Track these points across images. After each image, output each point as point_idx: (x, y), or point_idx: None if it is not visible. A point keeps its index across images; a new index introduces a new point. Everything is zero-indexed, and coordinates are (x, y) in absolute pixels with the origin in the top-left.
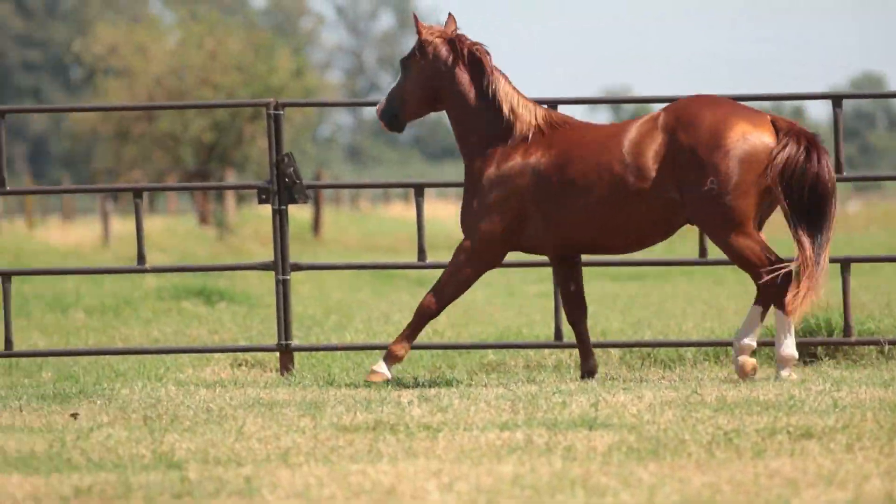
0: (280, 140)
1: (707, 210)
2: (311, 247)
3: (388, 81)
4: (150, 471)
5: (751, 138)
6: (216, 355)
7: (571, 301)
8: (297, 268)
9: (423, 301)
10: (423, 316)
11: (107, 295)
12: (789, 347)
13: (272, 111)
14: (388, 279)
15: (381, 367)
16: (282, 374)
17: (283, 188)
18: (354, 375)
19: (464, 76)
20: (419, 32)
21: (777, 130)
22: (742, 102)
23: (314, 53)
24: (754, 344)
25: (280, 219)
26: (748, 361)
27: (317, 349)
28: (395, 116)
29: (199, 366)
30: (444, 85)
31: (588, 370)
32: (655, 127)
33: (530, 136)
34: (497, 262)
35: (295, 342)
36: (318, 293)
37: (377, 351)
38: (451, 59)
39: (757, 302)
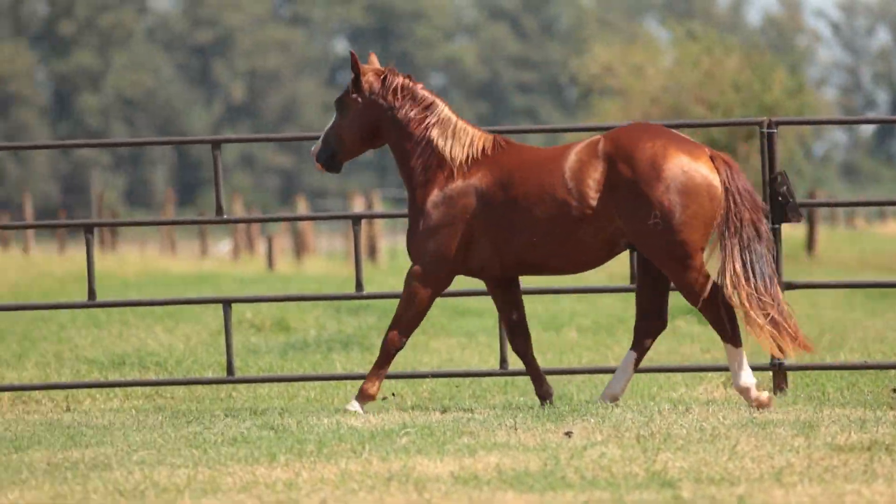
0: (773, 159)
1: (653, 243)
2: (804, 265)
3: (884, 98)
4: (644, 489)
5: (689, 170)
6: (709, 374)
7: (515, 330)
8: (791, 286)
9: (387, 336)
10: (389, 350)
11: (601, 314)
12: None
13: (766, 129)
14: (883, 298)
15: (354, 405)
16: (775, 394)
17: (776, 207)
18: (849, 395)
19: (401, 108)
20: (356, 70)
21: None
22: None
23: (809, 70)
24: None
25: (773, 237)
26: (762, 396)
27: (811, 368)
28: (332, 156)
29: (691, 385)
30: (382, 119)
31: (542, 395)
32: (596, 154)
33: (470, 158)
34: (448, 282)
35: (788, 361)
36: (812, 312)
37: (871, 371)
38: (386, 92)
39: (727, 341)
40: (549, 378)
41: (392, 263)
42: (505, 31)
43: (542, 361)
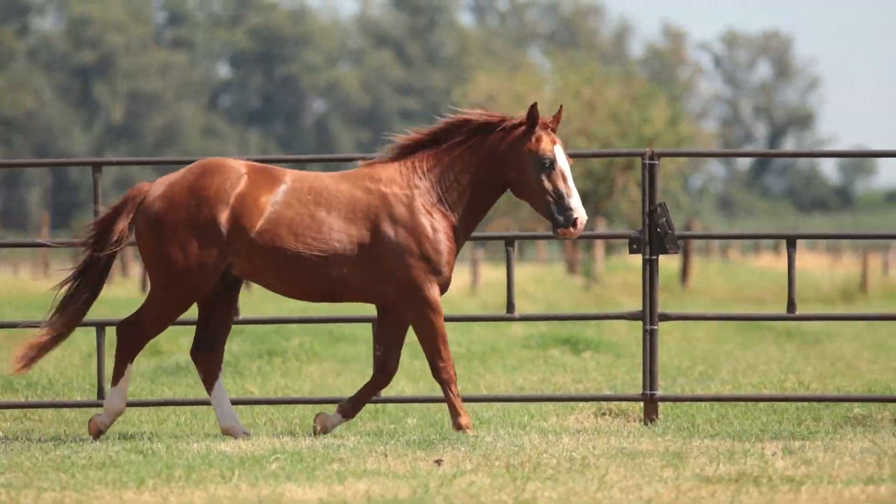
0: (654, 190)
1: None
2: (677, 297)
3: (762, 132)
4: None
5: None
6: (580, 404)
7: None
8: (666, 318)
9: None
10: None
11: (474, 342)
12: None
13: (647, 161)
14: (756, 330)
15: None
16: (645, 424)
17: (654, 238)
18: (719, 426)
19: None
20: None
21: None
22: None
23: (690, 103)
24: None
25: (650, 269)
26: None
27: (682, 399)
28: None
29: (562, 414)
30: None
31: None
32: None
33: None
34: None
35: (660, 392)
36: (685, 343)
37: (741, 403)
38: None
39: None
40: (421, 406)
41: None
42: (389, 58)
43: (415, 390)
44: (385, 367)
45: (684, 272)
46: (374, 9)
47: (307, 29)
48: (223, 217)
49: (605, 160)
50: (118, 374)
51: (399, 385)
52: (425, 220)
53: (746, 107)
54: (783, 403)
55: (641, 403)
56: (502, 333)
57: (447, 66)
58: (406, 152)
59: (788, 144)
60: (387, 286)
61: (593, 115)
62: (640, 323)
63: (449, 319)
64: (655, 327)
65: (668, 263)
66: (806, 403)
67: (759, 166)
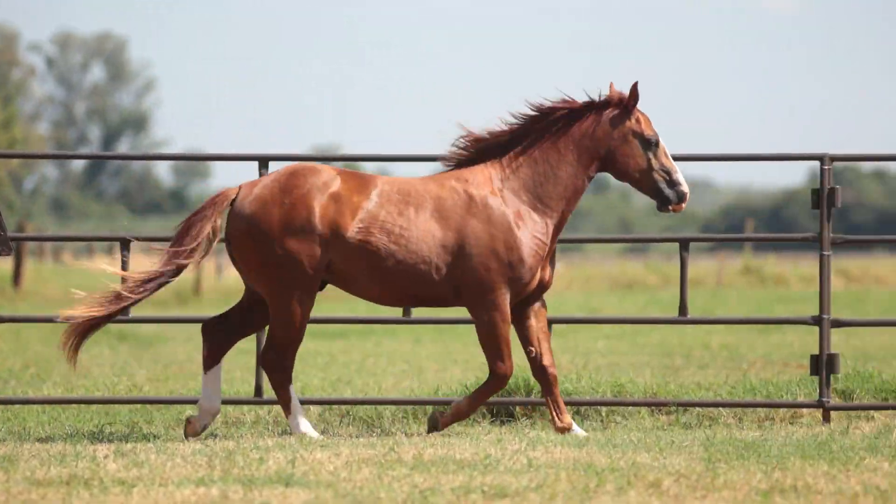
0: None
1: None
2: (10, 299)
3: (96, 133)
4: None
5: None
6: None
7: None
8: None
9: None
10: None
11: None
12: None
13: None
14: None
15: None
16: None
17: None
18: (50, 429)
19: None
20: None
21: None
22: None
23: (23, 104)
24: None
25: None
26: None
27: (12, 402)
28: None
29: None
30: None
31: None
32: None
33: None
34: None
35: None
36: (17, 346)
37: (74, 405)
38: None
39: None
40: None
41: None
42: None
43: None
44: (541, 363)
45: (17, 274)
46: None
47: None
48: (318, 214)
49: None
50: (285, 402)
51: None
52: (513, 223)
53: (80, 109)
54: (116, 406)
55: None
56: None
57: None
58: (489, 151)
59: (123, 146)
60: (459, 283)
61: None
62: None
63: None
64: None
65: (2, 266)
66: (139, 406)
67: (93, 168)
